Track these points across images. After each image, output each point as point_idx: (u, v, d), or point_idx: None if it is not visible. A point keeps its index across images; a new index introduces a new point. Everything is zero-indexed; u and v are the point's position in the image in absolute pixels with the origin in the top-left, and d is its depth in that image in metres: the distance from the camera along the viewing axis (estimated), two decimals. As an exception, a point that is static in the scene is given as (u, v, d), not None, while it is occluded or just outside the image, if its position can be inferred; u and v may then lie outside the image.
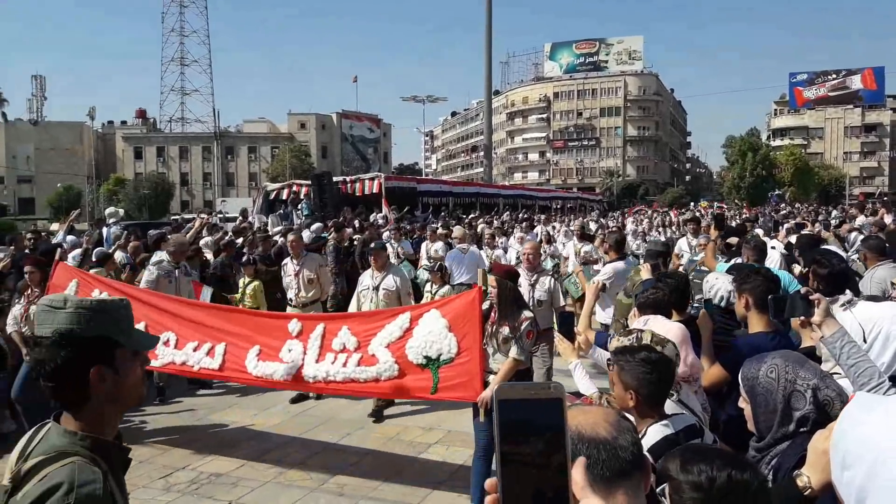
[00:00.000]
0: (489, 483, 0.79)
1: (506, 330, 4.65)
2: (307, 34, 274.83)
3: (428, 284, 9.26)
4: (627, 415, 2.33)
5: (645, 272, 5.34)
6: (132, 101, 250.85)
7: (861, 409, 1.29)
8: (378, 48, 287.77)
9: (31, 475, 1.49)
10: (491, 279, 4.75)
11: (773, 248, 7.72)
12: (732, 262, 6.23)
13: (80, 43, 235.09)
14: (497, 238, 15.14)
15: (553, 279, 6.79)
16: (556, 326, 6.93)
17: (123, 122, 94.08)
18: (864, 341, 2.88)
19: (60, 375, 1.59)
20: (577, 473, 0.78)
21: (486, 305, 4.79)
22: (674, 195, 66.90)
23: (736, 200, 60.83)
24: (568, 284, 8.73)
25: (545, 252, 13.47)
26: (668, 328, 3.23)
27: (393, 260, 11.45)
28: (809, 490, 1.69)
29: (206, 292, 8.19)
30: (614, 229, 13.19)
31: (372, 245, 8.03)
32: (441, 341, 4.84)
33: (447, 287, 8.72)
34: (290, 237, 8.57)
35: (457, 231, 11.21)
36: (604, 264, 7.74)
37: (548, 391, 0.79)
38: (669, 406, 2.68)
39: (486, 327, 4.74)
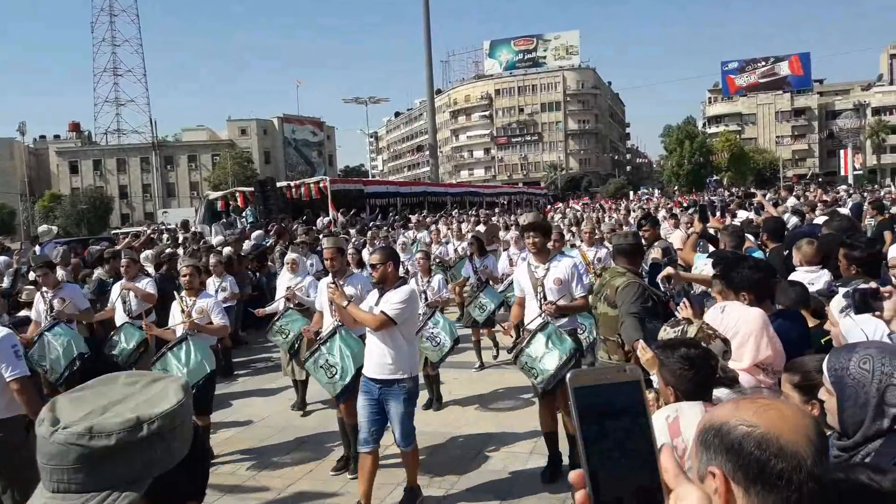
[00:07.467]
0: (574, 476, 0.76)
1: None
2: (242, 39, 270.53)
3: None
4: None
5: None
6: (64, 114, 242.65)
7: None
8: (317, 51, 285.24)
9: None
10: None
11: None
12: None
13: (2, 55, 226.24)
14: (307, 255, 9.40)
15: None
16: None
17: (56, 136, 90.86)
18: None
19: None
20: (667, 460, 0.74)
21: None
22: (616, 185, 68.17)
23: (675, 188, 62.29)
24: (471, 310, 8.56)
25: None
26: (745, 314, 3.22)
27: (122, 316, 7.31)
28: None
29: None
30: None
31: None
32: None
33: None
34: None
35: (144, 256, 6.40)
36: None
37: (623, 374, 0.75)
38: (726, 396, 2.65)
39: None
